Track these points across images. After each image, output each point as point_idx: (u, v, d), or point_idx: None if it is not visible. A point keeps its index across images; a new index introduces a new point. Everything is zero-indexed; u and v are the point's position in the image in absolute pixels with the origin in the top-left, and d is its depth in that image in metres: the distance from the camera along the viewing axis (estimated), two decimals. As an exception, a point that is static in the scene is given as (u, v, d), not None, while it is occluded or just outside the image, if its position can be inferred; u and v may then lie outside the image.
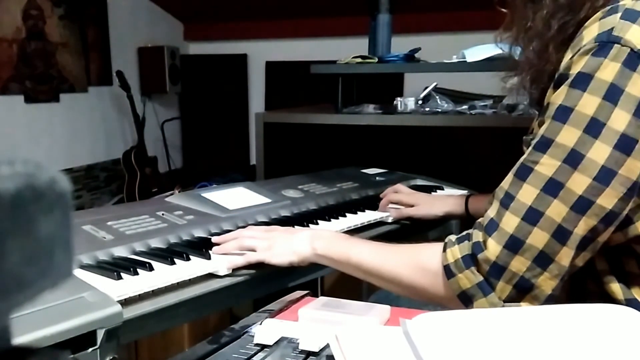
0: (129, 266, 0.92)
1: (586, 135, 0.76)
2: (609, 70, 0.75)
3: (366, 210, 1.41)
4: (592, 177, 0.76)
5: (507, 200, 0.81)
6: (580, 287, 0.87)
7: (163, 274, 0.92)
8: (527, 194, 0.80)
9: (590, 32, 0.79)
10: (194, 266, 0.97)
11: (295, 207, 1.37)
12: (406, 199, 1.44)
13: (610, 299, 0.83)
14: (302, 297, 0.90)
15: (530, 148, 0.82)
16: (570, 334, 0.62)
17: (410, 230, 1.42)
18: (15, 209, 0.24)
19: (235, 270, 1.00)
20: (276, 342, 0.72)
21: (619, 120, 0.75)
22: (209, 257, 1.01)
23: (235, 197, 1.32)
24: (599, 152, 0.75)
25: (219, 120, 4.84)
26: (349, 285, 1.67)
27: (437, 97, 2.03)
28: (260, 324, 0.77)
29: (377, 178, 1.73)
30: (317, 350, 0.69)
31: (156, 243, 1.06)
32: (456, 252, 0.85)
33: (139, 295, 0.86)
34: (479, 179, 1.49)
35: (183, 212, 1.20)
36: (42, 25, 3.67)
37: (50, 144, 3.74)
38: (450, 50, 2.05)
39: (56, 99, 3.80)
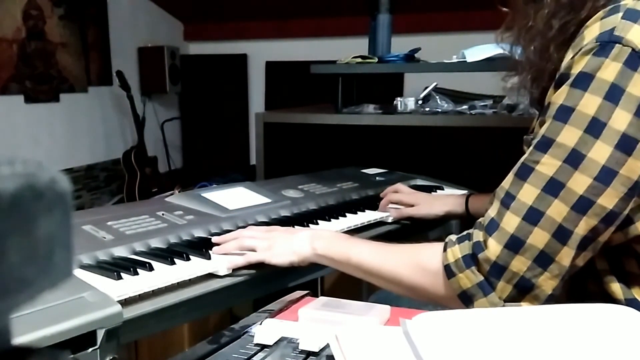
0: (129, 266, 0.92)
1: (587, 135, 0.76)
2: (610, 70, 0.75)
3: (366, 210, 1.41)
4: (592, 177, 0.76)
5: (508, 200, 0.81)
6: (581, 287, 0.87)
7: (163, 274, 0.92)
8: (528, 193, 0.80)
9: (592, 31, 0.79)
10: (194, 266, 0.97)
11: (295, 207, 1.37)
12: (406, 199, 1.44)
13: (610, 299, 0.83)
14: (302, 297, 0.90)
15: (531, 148, 0.82)
16: (570, 334, 0.62)
17: (410, 230, 1.42)
18: (15, 209, 0.24)
19: (235, 270, 1.00)
20: (276, 342, 0.72)
21: (620, 120, 0.74)
22: (209, 257, 1.01)
23: (235, 197, 1.32)
24: (600, 152, 0.75)
25: (219, 120, 4.84)
26: (349, 285, 1.66)
27: (437, 97, 2.04)
28: (260, 324, 0.76)
29: (377, 178, 1.73)
30: (317, 350, 0.69)
31: (156, 243, 1.06)
32: (456, 251, 0.85)
33: (139, 295, 0.86)
34: (479, 179, 1.49)
35: (183, 212, 1.20)
36: (42, 25, 3.67)
37: (50, 144, 3.74)
38: (450, 50, 2.05)
39: (56, 99, 3.80)
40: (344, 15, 4.10)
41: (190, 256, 1.00)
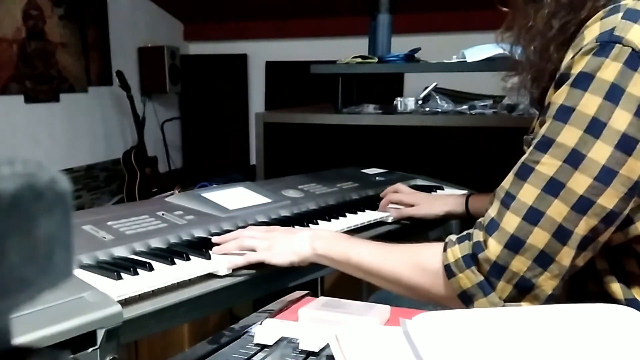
0: (129, 266, 0.92)
1: (587, 135, 0.76)
2: (610, 70, 0.75)
3: (366, 210, 1.41)
4: (593, 177, 0.76)
5: (508, 200, 0.81)
6: (581, 287, 0.87)
7: (163, 274, 0.92)
8: (528, 193, 0.80)
9: (592, 31, 0.79)
10: (194, 266, 0.97)
11: (295, 207, 1.37)
12: (406, 199, 1.44)
13: (610, 299, 0.83)
14: (302, 297, 0.90)
15: (531, 148, 0.82)
16: (570, 334, 0.62)
17: (410, 230, 1.42)
18: (15, 209, 0.24)
19: (235, 270, 1.00)
20: (276, 342, 0.72)
21: (620, 120, 0.74)
22: (209, 257, 1.01)
23: (235, 197, 1.32)
24: (600, 152, 0.75)
25: (219, 120, 4.84)
26: (349, 285, 1.66)
27: (437, 97, 2.04)
28: (260, 324, 0.76)
29: (377, 178, 1.73)
30: (317, 350, 0.69)
31: (156, 243, 1.06)
32: (457, 251, 0.85)
33: (139, 295, 0.86)
34: (479, 179, 1.49)
35: (183, 212, 1.20)
36: (42, 25, 3.67)
37: (50, 144, 3.74)
38: (450, 50, 2.05)
39: (56, 99, 3.80)
40: (344, 15, 4.10)
41: (190, 256, 1.00)
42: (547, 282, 0.79)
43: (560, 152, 0.78)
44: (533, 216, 0.79)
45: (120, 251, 1.01)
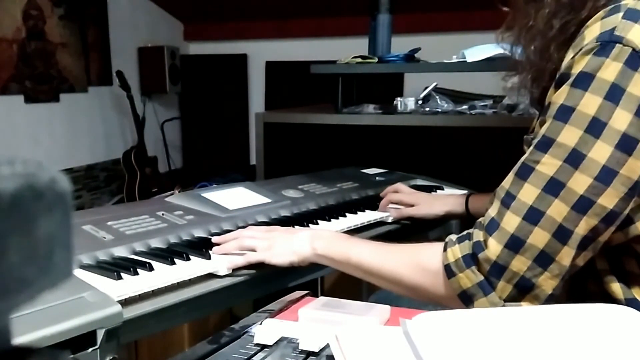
0: (129, 266, 0.92)
1: (587, 135, 0.76)
2: (610, 70, 0.75)
3: (366, 210, 1.41)
4: (593, 177, 0.76)
5: (508, 200, 0.81)
6: (581, 287, 0.87)
7: (163, 274, 0.92)
8: (528, 193, 0.80)
9: (592, 31, 0.79)
10: (194, 266, 0.97)
11: (295, 207, 1.37)
12: (406, 199, 1.44)
13: (610, 298, 0.83)
14: (302, 297, 0.90)
15: (531, 147, 0.82)
16: (570, 334, 0.62)
17: (410, 230, 1.42)
18: (15, 209, 0.24)
19: (235, 270, 1.00)
20: (276, 342, 0.72)
21: (620, 120, 0.74)
22: (209, 257, 1.01)
23: (235, 197, 1.32)
24: (600, 152, 0.75)
25: (219, 120, 4.84)
26: (349, 285, 1.66)
27: (437, 97, 2.03)
28: (260, 324, 0.76)
29: (377, 178, 1.73)
30: (317, 350, 0.69)
31: (156, 243, 1.06)
32: (457, 251, 0.85)
33: (139, 295, 0.86)
34: (479, 179, 1.49)
35: (183, 212, 1.20)
36: (42, 25, 3.67)
37: (50, 144, 3.74)
38: (450, 50, 2.05)
39: (56, 99, 3.80)
40: (344, 15, 4.10)
41: (190, 256, 1.00)
42: (547, 282, 0.79)
43: (561, 152, 0.78)
44: (533, 216, 0.79)
45: (120, 251, 1.01)
